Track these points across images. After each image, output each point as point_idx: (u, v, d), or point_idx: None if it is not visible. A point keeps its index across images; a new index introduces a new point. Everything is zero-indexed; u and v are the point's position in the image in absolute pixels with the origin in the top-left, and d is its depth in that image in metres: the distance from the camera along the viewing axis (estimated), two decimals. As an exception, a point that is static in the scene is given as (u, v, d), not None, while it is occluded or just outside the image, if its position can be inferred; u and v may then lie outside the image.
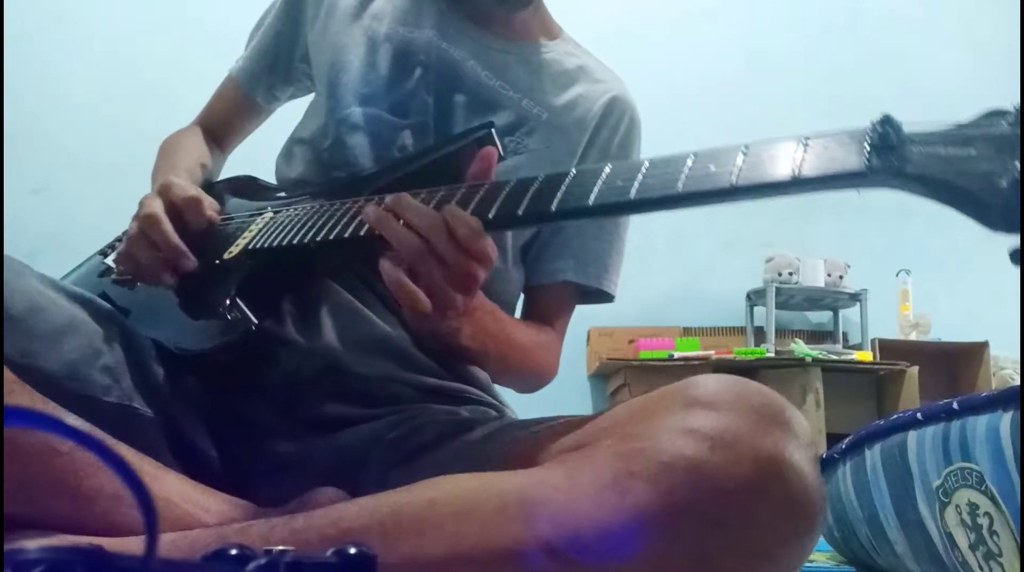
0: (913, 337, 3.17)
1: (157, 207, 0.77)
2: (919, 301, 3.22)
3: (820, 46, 3.55)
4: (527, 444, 0.60)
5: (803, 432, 0.50)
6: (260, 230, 0.79)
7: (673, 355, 2.91)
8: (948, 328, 3.17)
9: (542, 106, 0.94)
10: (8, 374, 0.55)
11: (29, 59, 3.19)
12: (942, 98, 3.46)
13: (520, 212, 0.61)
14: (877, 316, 3.13)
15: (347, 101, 0.92)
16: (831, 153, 0.51)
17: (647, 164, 0.58)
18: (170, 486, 0.58)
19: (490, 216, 0.63)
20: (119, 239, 0.92)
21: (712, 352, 2.91)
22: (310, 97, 1.05)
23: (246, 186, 0.98)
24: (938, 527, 0.90)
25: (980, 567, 0.84)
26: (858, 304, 3.16)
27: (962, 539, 0.86)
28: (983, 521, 0.83)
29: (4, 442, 0.49)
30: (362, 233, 0.68)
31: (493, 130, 0.81)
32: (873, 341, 3.09)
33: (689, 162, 0.55)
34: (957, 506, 0.86)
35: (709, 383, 0.52)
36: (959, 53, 3.55)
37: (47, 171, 3.14)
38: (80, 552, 0.24)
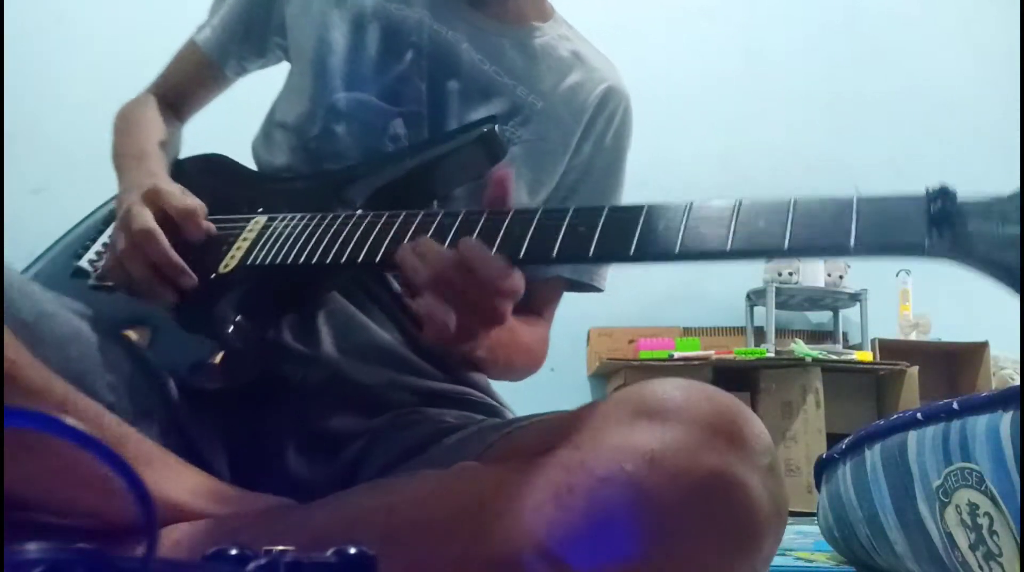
0: (913, 337, 3.17)
1: (150, 220, 0.71)
2: (919, 301, 3.22)
3: (819, 45, 3.55)
4: (499, 447, 0.60)
5: (757, 441, 0.48)
6: (256, 240, 0.74)
7: (673, 355, 2.91)
8: (948, 328, 3.17)
9: (537, 95, 0.90)
10: (42, 368, 0.54)
11: (29, 59, 3.19)
12: (942, 98, 3.47)
13: (554, 254, 0.58)
14: (877, 316, 3.13)
15: (334, 86, 0.87)
16: (888, 223, 0.49)
17: (689, 211, 0.55)
18: (192, 481, 0.58)
19: (521, 255, 0.60)
20: (91, 239, 0.87)
21: (712, 352, 2.91)
22: (275, 69, 1.00)
23: (222, 172, 0.91)
24: (938, 527, 0.90)
25: (980, 567, 0.84)
26: (858, 304, 3.16)
27: (962, 539, 0.86)
28: (983, 521, 0.82)
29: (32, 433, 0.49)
30: (377, 259, 0.65)
31: (496, 126, 0.78)
32: (873, 341, 3.09)
33: (735, 214, 0.53)
34: (957, 506, 0.86)
35: (659, 390, 0.51)
36: (959, 53, 3.55)
37: (47, 171, 3.14)
38: (80, 552, 0.24)
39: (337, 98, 0.86)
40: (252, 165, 0.94)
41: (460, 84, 0.87)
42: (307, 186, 0.84)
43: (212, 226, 0.75)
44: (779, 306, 3.14)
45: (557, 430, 0.54)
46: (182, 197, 0.75)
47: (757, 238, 0.52)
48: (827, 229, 0.50)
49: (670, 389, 0.51)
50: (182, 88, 1.01)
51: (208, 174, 0.90)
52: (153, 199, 0.74)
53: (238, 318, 0.70)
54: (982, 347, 3.01)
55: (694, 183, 3.37)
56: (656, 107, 3.54)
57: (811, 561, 1.28)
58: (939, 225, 0.47)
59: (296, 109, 0.89)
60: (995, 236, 0.46)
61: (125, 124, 0.95)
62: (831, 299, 3.21)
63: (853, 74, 3.52)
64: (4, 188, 2.74)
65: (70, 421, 0.23)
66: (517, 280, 0.61)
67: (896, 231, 0.48)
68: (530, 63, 0.92)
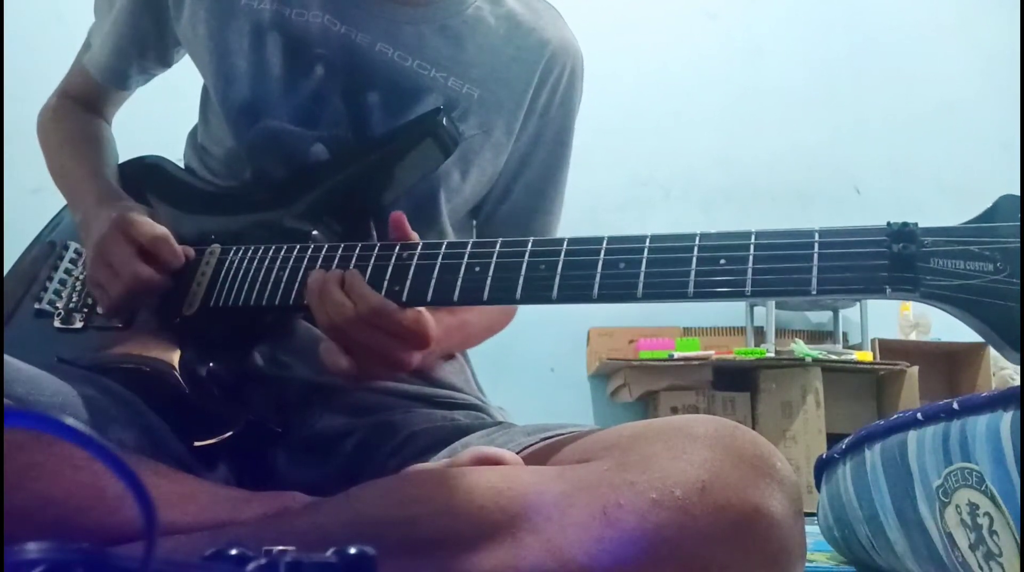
0: (913, 337, 3.17)
1: (142, 269, 0.71)
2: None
3: (819, 45, 3.55)
4: (534, 451, 0.60)
5: (789, 482, 0.50)
6: (214, 278, 0.73)
7: (673, 355, 2.90)
8: (948, 328, 3.16)
9: (472, 83, 0.81)
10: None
11: (29, 59, 3.19)
12: (942, 98, 3.47)
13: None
14: (877, 316, 3.13)
15: (247, 120, 0.79)
16: (850, 266, 0.49)
17: (648, 241, 0.54)
18: (206, 487, 0.58)
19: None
20: (48, 278, 0.85)
21: (712, 352, 2.90)
22: None
23: (164, 183, 0.87)
24: (938, 527, 0.90)
25: (980, 567, 0.84)
26: (858, 304, 3.16)
27: (962, 539, 0.86)
28: (983, 521, 0.82)
29: (25, 467, 0.49)
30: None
31: (444, 117, 0.74)
32: (873, 341, 3.09)
33: (695, 253, 0.52)
34: (957, 506, 0.86)
35: (707, 425, 0.52)
36: (959, 53, 3.55)
37: (47, 171, 3.13)
38: (80, 552, 0.24)
39: (254, 135, 0.79)
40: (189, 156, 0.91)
41: (380, 94, 0.79)
42: (254, 211, 0.80)
43: (191, 251, 0.74)
44: (779, 306, 3.14)
45: (596, 446, 0.54)
46: (151, 226, 0.73)
47: (718, 279, 0.51)
48: (789, 269, 0.50)
49: (714, 424, 0.52)
50: (91, 97, 0.95)
51: (151, 185, 0.87)
52: (124, 229, 0.73)
53: (211, 364, 0.70)
54: (982, 347, 3.01)
55: (694, 182, 3.37)
56: (657, 106, 3.55)
57: (811, 561, 1.28)
58: (901, 269, 0.48)
59: (223, 141, 0.84)
60: (961, 276, 0.46)
61: (58, 137, 0.92)
62: (831, 299, 3.21)
63: (853, 74, 3.52)
64: (4, 188, 2.74)
65: (70, 421, 0.23)
66: (418, 327, 0.61)
67: (858, 274, 0.49)
68: (457, 48, 0.82)
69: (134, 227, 0.73)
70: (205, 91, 0.87)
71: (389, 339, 0.61)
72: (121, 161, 0.93)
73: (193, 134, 0.91)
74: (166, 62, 0.92)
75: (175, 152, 0.95)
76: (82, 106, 0.95)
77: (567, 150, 0.92)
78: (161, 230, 0.73)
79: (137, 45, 0.89)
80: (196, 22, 0.82)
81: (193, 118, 0.94)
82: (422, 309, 0.62)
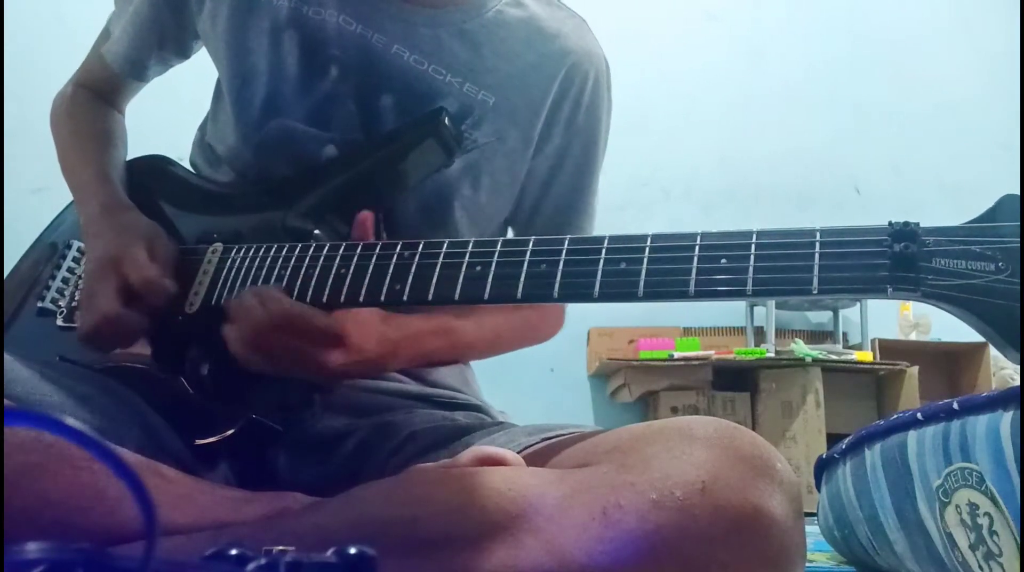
0: (913, 337, 3.17)
1: (113, 303, 0.70)
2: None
3: (821, 46, 3.55)
4: (536, 451, 0.60)
5: (789, 482, 0.50)
6: (216, 276, 0.73)
7: (673, 355, 2.90)
8: (948, 328, 3.16)
9: (487, 89, 0.80)
10: None
11: (29, 59, 3.19)
12: (942, 98, 3.47)
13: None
14: (877, 316, 3.13)
15: (259, 119, 0.79)
16: (851, 265, 0.49)
17: (649, 240, 0.54)
18: (206, 487, 0.58)
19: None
20: (51, 277, 0.86)
21: (712, 352, 2.90)
22: None
23: (168, 183, 0.87)
24: (938, 527, 0.90)
25: (980, 567, 0.84)
26: (858, 304, 3.16)
27: (962, 539, 0.86)
28: (983, 521, 0.82)
29: (25, 468, 0.49)
30: (342, 299, 0.66)
31: (445, 118, 0.73)
32: (873, 341, 3.09)
33: (696, 253, 0.52)
34: (957, 506, 0.86)
35: (707, 426, 0.52)
36: (959, 53, 3.55)
37: (47, 171, 3.12)
38: (80, 552, 0.24)
39: (264, 134, 0.79)
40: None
41: (395, 97, 0.78)
42: (256, 210, 0.80)
43: (174, 287, 0.73)
44: (779, 306, 3.14)
45: (597, 447, 0.54)
46: (145, 268, 0.72)
47: (721, 279, 0.51)
48: (790, 269, 0.50)
49: (715, 425, 0.52)
50: (107, 86, 0.95)
51: (155, 186, 0.87)
52: (116, 266, 0.72)
53: (209, 365, 0.70)
54: (982, 347, 3.01)
55: (695, 183, 3.38)
56: (657, 107, 3.55)
57: (811, 561, 1.28)
58: (902, 268, 0.48)
59: (226, 139, 0.83)
60: (962, 275, 0.46)
61: (69, 131, 0.91)
62: (832, 299, 3.20)
63: (853, 75, 3.52)
64: (4, 188, 2.74)
65: (70, 421, 0.23)
66: (335, 330, 0.63)
67: (859, 274, 0.49)
68: (474, 52, 0.81)
69: (126, 265, 0.72)
70: (218, 87, 0.87)
71: (304, 343, 0.63)
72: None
73: (202, 131, 0.91)
74: (184, 53, 0.92)
75: (174, 150, 0.95)
76: (97, 96, 0.95)
77: (596, 163, 0.90)
78: (154, 273, 0.71)
79: (157, 35, 0.89)
80: (216, 16, 0.81)
81: (193, 115, 0.94)
82: (347, 313, 0.64)
